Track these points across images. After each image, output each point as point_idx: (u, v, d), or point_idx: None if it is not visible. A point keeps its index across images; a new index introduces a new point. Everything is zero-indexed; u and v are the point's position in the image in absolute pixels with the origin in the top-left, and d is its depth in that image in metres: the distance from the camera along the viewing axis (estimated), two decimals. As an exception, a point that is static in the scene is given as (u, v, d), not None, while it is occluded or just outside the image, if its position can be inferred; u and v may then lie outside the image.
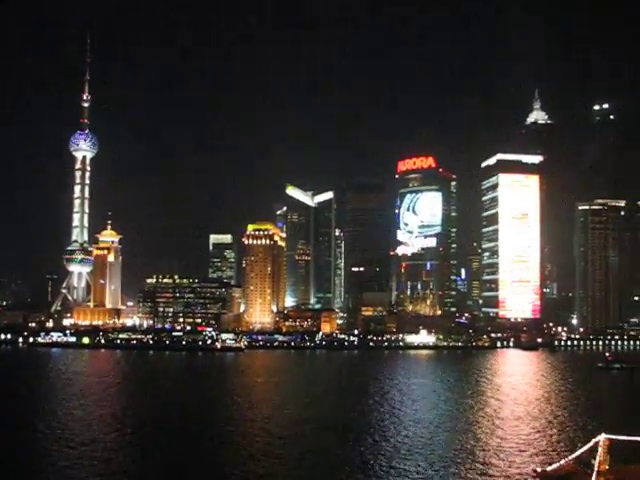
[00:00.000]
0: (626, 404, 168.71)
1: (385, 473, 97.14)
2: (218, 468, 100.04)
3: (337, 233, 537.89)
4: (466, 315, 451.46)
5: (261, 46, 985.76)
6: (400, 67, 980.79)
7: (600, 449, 70.23)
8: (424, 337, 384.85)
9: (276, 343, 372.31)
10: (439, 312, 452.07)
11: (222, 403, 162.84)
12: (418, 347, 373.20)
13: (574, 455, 77.69)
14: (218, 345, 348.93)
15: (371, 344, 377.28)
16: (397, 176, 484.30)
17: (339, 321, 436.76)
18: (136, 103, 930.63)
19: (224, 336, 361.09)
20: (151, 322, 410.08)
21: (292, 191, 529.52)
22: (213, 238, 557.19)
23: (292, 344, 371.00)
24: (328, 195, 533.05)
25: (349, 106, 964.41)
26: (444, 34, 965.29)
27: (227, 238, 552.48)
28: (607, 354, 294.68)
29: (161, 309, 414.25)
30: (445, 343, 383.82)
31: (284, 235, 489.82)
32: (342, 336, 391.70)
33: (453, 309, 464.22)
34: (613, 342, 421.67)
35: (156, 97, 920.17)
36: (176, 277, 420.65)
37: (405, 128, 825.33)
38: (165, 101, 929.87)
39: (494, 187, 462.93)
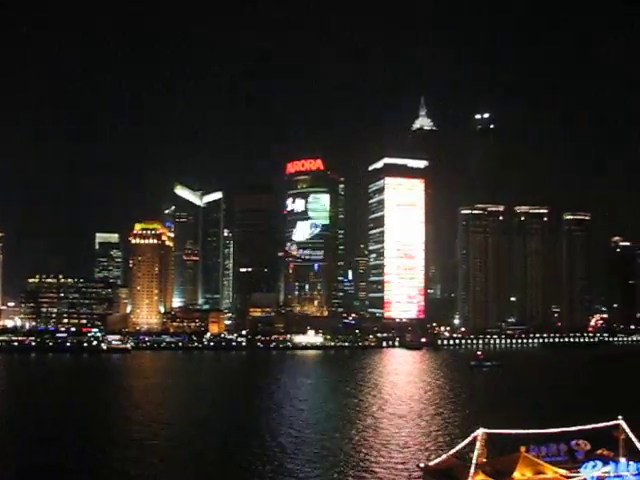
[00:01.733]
0: (498, 400, 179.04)
1: (273, 474, 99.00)
2: (100, 470, 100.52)
3: (226, 234, 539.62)
4: (353, 315, 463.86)
5: (148, 47, 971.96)
6: (288, 69, 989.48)
7: (478, 443, 72.72)
8: (312, 337, 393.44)
9: (163, 344, 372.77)
10: (326, 312, 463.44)
11: (106, 405, 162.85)
12: (306, 347, 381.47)
13: (455, 449, 79.87)
14: (104, 346, 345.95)
15: (259, 345, 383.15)
16: (286, 177, 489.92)
17: (227, 322, 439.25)
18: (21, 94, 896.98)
19: (110, 337, 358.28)
20: (34, 323, 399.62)
21: (181, 190, 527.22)
22: (99, 237, 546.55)
23: (180, 345, 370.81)
24: (217, 195, 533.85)
25: (239, 107, 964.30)
26: (334, 39, 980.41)
27: (113, 237, 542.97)
28: (479, 353, 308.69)
29: (44, 309, 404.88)
30: (332, 343, 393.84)
31: (172, 235, 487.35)
32: (230, 337, 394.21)
33: (340, 309, 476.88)
34: (492, 341, 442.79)
35: (41, 89, 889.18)
36: (60, 277, 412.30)
37: (294, 130, 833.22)
38: (51, 92, 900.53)
39: (381, 190, 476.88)
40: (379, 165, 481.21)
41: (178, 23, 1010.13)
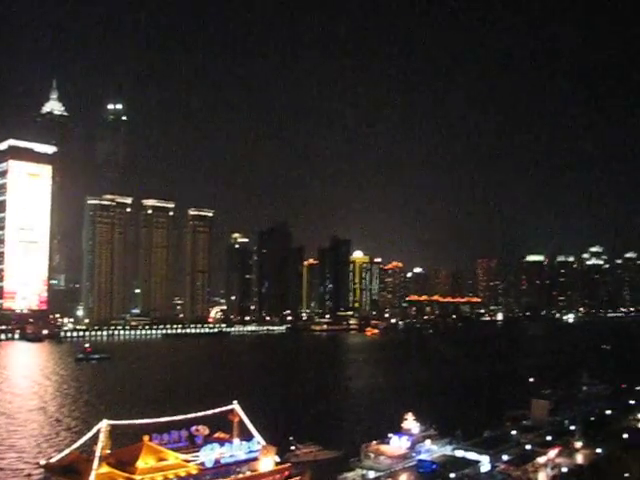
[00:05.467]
0: (119, 391, 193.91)
1: None
2: None
3: None
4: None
5: None
6: None
7: (102, 435, 73.89)
8: None
9: None
10: None
11: None
12: None
13: (78, 443, 78.99)
14: None
15: None
16: None
17: None
18: None
19: None
20: None
21: None
22: None
23: None
24: None
25: None
26: None
27: None
28: (86, 345, 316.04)
29: None
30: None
31: None
32: None
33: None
34: (116, 332, 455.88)
35: None
36: None
37: None
38: None
39: (3, 173, 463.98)
40: (3, 147, 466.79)
41: None
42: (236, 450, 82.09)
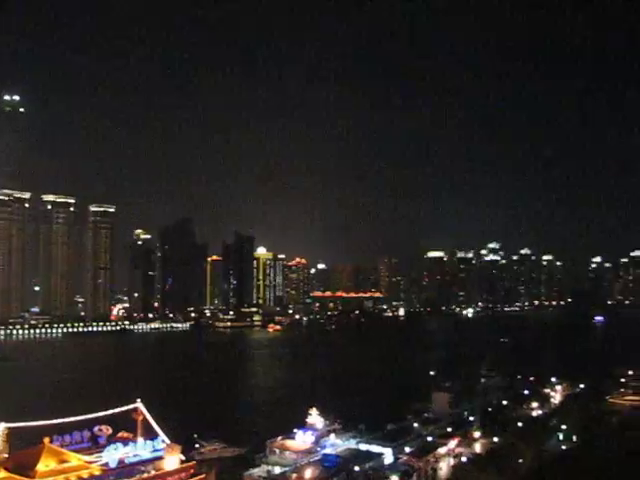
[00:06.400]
0: (14, 393, 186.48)
1: None
2: None
3: None
4: None
5: None
6: None
7: None
8: None
9: None
10: None
11: None
12: None
13: None
14: None
15: None
16: None
17: None
18: None
19: None
20: None
21: None
22: None
23: None
24: None
25: None
26: None
27: None
28: None
29: None
30: None
31: None
32: None
33: None
34: (15, 331, 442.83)
35: None
36: None
37: None
38: None
39: None
40: None
41: None
42: (140, 449, 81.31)
